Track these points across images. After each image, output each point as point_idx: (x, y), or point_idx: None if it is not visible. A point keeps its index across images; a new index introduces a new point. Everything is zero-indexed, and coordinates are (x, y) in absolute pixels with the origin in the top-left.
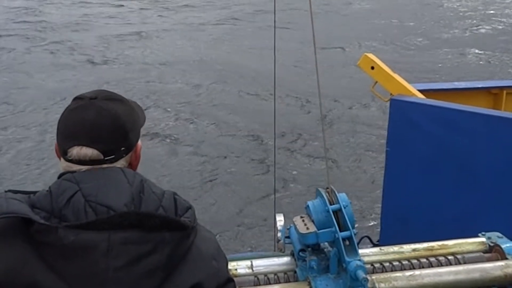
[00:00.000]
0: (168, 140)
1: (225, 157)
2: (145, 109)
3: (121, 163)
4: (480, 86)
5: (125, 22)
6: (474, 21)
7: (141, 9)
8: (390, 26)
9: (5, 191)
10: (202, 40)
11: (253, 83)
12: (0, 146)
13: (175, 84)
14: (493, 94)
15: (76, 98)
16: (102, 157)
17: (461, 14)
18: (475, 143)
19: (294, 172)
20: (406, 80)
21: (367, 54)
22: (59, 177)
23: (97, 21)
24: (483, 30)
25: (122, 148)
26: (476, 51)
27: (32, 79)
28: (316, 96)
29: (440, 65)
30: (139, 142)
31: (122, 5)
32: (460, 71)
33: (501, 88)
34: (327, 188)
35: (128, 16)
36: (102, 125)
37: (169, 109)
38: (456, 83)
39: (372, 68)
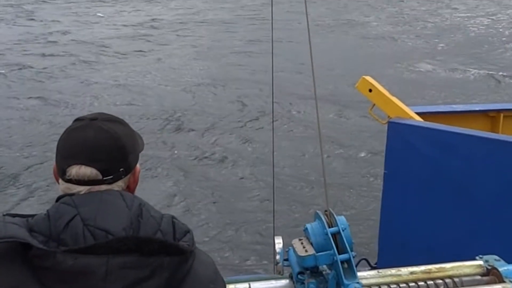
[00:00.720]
0: (163, 158)
1: (224, 178)
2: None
3: (119, 185)
4: (477, 109)
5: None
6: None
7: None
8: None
9: (3, 215)
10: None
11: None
12: None
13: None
14: (490, 117)
15: (77, 120)
16: (100, 177)
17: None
18: (473, 166)
19: (293, 195)
20: (404, 103)
21: (365, 77)
22: (57, 200)
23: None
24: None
25: (121, 169)
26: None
27: None
28: (314, 117)
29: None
30: (138, 166)
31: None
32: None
33: (498, 111)
34: (326, 210)
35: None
36: (101, 144)
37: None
38: (453, 106)
39: (370, 90)
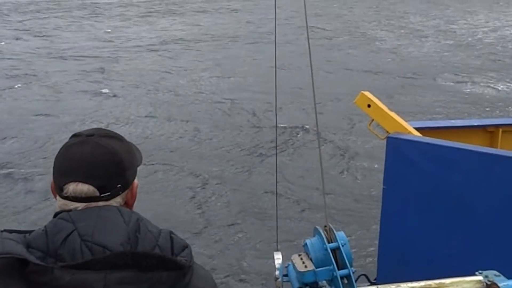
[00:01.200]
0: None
1: (224, 194)
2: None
3: (117, 201)
4: (476, 124)
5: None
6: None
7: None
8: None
9: (1, 231)
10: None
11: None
12: None
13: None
14: (489, 132)
15: (74, 136)
16: (98, 193)
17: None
18: (472, 181)
19: (292, 210)
20: (403, 118)
21: (364, 92)
22: (55, 216)
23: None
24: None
25: (119, 185)
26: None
27: None
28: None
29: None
30: (136, 181)
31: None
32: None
33: (497, 126)
34: (325, 226)
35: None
36: (98, 160)
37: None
38: (452, 121)
39: (369, 106)
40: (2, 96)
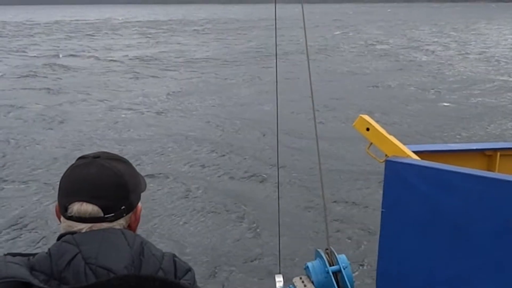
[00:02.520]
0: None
1: (226, 218)
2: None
3: (120, 223)
4: (474, 147)
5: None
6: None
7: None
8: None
9: (4, 254)
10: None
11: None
12: None
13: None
14: (487, 156)
15: (80, 158)
16: (102, 214)
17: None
18: (470, 205)
19: (293, 232)
20: (401, 142)
21: (363, 116)
22: (59, 238)
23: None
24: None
25: (123, 207)
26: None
27: None
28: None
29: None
30: (139, 205)
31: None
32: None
33: (495, 150)
34: (327, 249)
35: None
36: (103, 181)
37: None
38: (450, 144)
39: (368, 129)
40: None
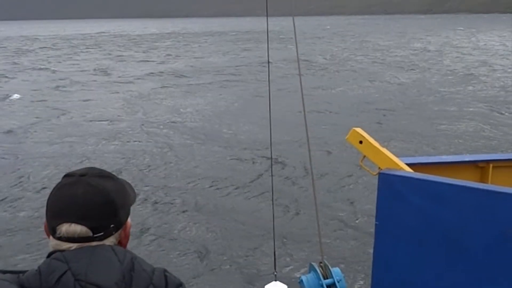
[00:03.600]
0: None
1: (219, 231)
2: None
3: (110, 240)
4: (467, 159)
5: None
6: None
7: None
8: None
9: None
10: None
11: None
12: None
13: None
14: (480, 167)
15: (66, 176)
16: (91, 234)
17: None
18: (463, 217)
19: (288, 246)
20: (394, 154)
21: (356, 129)
22: (48, 256)
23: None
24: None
25: (112, 225)
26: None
27: None
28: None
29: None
30: (129, 220)
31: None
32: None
33: (488, 161)
34: (321, 262)
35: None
36: (91, 201)
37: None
38: (443, 156)
39: (361, 142)
40: None
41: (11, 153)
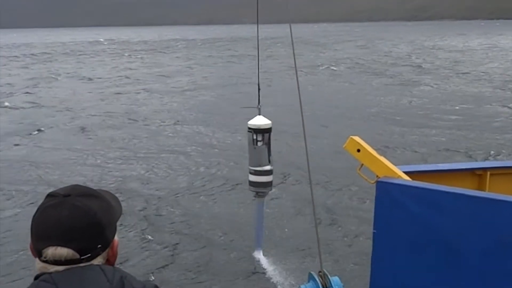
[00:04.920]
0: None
1: (215, 243)
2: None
3: (98, 260)
4: (464, 167)
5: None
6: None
7: None
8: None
9: None
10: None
11: None
12: None
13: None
14: (477, 175)
15: (50, 195)
16: (78, 256)
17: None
18: (461, 224)
19: (286, 255)
20: (392, 163)
21: (353, 137)
22: (36, 278)
23: None
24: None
25: (99, 246)
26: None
27: None
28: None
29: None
30: (116, 238)
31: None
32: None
33: (485, 169)
34: (320, 271)
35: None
36: (76, 223)
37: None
38: (440, 164)
39: (358, 150)
40: None
41: None
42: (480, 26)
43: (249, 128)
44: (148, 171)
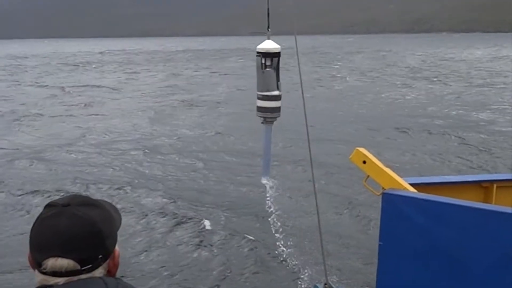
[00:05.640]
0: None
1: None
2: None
3: (99, 271)
4: (470, 179)
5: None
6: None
7: None
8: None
9: None
10: None
11: None
12: None
13: None
14: (483, 187)
15: (48, 206)
16: (79, 267)
17: None
18: (467, 237)
19: (292, 267)
20: (398, 174)
21: (359, 149)
22: None
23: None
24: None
25: (100, 256)
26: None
27: None
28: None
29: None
30: (117, 248)
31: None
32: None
33: (492, 181)
34: (325, 284)
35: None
36: (77, 233)
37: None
38: (447, 176)
39: (364, 162)
40: None
41: None
42: (486, 39)
43: (258, 52)
44: None
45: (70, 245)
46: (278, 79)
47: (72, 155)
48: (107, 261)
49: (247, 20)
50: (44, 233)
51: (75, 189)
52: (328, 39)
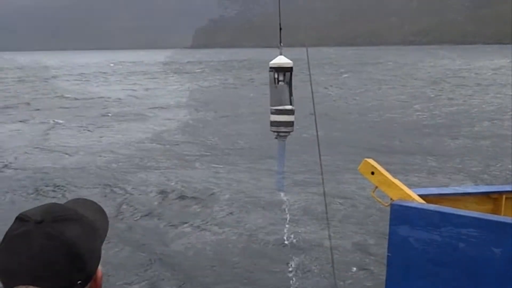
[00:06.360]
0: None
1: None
2: None
3: None
4: (479, 191)
5: None
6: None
7: None
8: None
9: None
10: None
11: None
12: None
13: None
14: (492, 198)
15: (19, 219)
16: None
17: None
18: (476, 248)
19: (299, 279)
20: (406, 185)
21: (367, 160)
22: None
23: None
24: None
25: (79, 282)
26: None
27: None
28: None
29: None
30: (100, 269)
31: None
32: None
33: (500, 193)
34: None
35: None
36: (51, 258)
37: None
38: (455, 187)
39: (372, 173)
40: None
41: None
42: (488, 51)
43: (271, 68)
44: None
45: (43, 272)
46: (291, 94)
47: None
48: (89, 284)
49: (247, 33)
50: (12, 256)
51: None
52: (330, 50)
